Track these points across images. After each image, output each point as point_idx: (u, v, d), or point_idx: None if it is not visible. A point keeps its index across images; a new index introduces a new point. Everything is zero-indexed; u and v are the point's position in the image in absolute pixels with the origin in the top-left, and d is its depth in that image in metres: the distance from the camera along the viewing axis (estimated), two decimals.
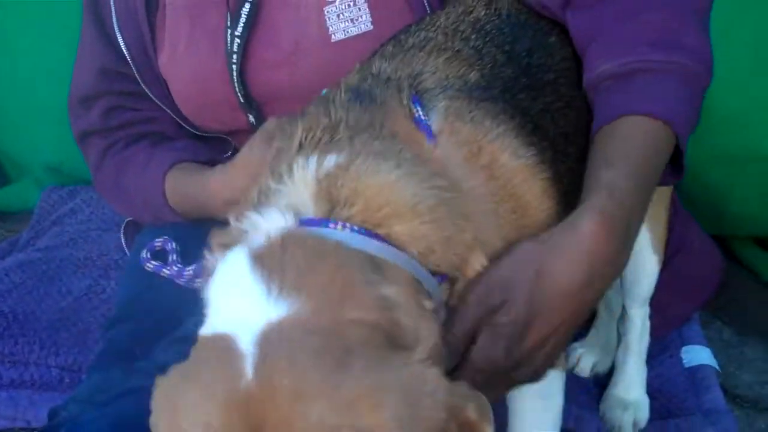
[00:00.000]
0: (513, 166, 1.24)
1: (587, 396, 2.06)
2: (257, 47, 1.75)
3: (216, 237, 1.15)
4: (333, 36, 1.70)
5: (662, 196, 1.77)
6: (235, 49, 1.73)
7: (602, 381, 2.10)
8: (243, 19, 1.74)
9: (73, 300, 2.32)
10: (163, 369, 1.49)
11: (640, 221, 1.28)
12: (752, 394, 2.11)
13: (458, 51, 1.34)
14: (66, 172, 2.98)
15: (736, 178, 2.42)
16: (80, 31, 2.04)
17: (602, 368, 2.13)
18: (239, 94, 1.77)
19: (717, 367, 2.13)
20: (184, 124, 1.96)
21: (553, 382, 1.39)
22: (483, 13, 1.44)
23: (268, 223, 1.08)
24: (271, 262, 1.01)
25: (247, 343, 0.93)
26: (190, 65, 1.83)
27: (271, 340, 0.93)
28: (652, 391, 2.04)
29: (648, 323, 1.98)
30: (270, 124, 1.63)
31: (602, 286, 1.22)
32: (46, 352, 2.16)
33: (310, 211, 1.09)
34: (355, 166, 1.12)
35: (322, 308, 0.97)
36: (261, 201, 1.14)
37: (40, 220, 2.82)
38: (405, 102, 1.24)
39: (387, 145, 1.17)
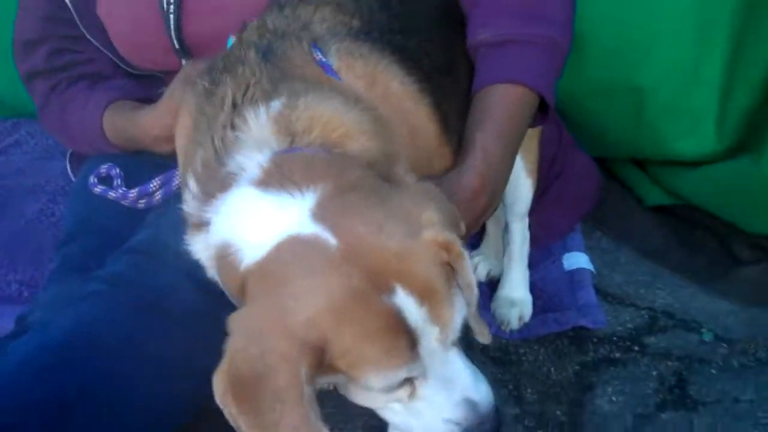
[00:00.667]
0: (402, 93, 1.49)
1: (481, 297, 2.33)
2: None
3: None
4: None
5: (535, 132, 2.05)
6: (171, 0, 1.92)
7: (494, 284, 2.39)
8: None
9: (26, 223, 2.52)
10: (114, 276, 1.75)
11: (508, 169, 1.62)
12: (620, 292, 2.40)
13: (339, 4, 1.56)
14: (8, 104, 3.12)
15: (613, 107, 2.63)
16: None
17: (496, 272, 2.41)
18: (174, 40, 1.96)
19: (593, 270, 2.43)
20: (121, 64, 2.13)
21: None
22: None
23: (250, 161, 1.31)
24: (276, 180, 1.26)
25: (309, 227, 1.19)
26: (127, 12, 1.99)
27: (324, 216, 1.20)
28: (535, 290, 2.33)
29: (527, 233, 2.26)
30: (187, 68, 1.85)
31: (478, 221, 1.57)
32: (5, 270, 2.39)
33: (275, 145, 1.32)
34: (302, 102, 1.35)
35: (334, 181, 1.24)
36: (225, 152, 1.35)
37: None
38: (306, 49, 1.46)
39: (312, 84, 1.40)
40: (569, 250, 2.52)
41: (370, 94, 1.45)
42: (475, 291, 1.32)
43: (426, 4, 1.69)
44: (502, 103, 1.60)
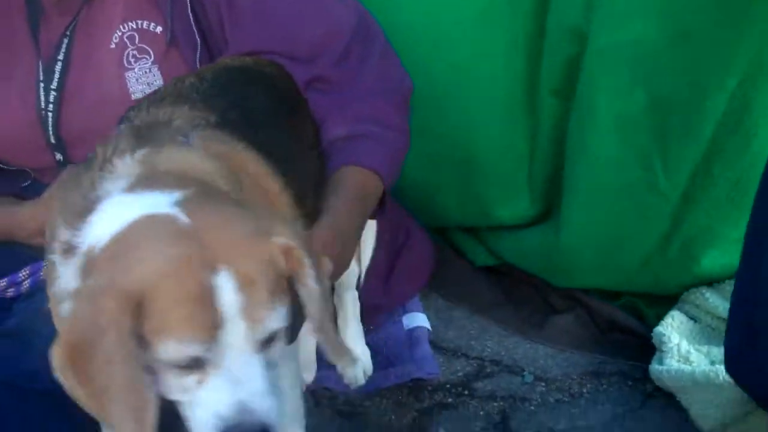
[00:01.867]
0: (257, 171, 1.69)
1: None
2: (67, 99, 2.13)
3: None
4: (133, 95, 2.10)
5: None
6: (51, 99, 2.13)
7: None
8: (57, 75, 2.13)
9: None
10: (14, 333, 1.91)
11: (356, 232, 1.91)
12: (453, 345, 2.70)
13: (194, 103, 1.76)
14: None
15: (442, 180, 2.96)
16: None
17: (309, 378, 2.51)
18: (51, 137, 2.15)
19: (429, 328, 2.73)
20: None
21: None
22: (193, 79, 1.86)
23: (119, 181, 1.48)
24: (145, 185, 1.44)
25: (165, 209, 1.35)
26: (2, 118, 2.17)
27: (184, 205, 1.36)
28: (378, 349, 2.59)
29: (356, 295, 2.54)
30: (67, 172, 2.06)
31: (340, 268, 1.82)
32: None
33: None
34: (165, 150, 1.55)
35: (200, 189, 1.42)
36: (92, 190, 1.49)
37: None
38: (171, 134, 1.65)
39: (175, 143, 1.61)
40: (408, 311, 2.81)
41: (231, 167, 1.62)
42: (318, 302, 1.41)
43: (261, 102, 1.91)
44: (352, 179, 1.90)
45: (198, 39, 2.15)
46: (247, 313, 1.30)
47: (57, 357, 1.27)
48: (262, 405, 1.32)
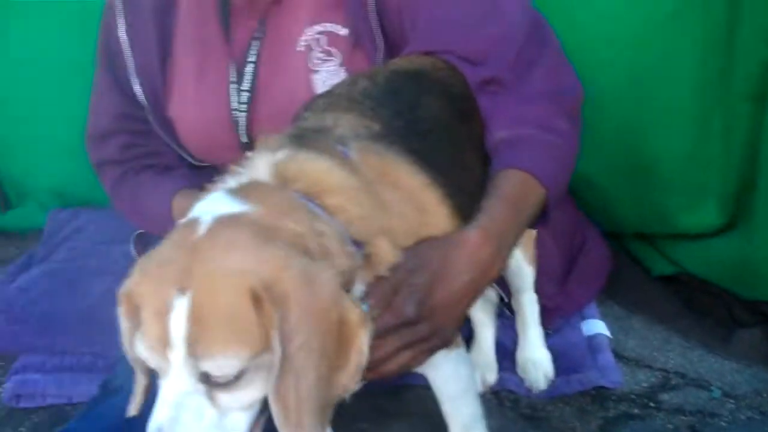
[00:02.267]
0: (413, 182, 1.69)
1: (510, 361, 2.59)
2: (258, 100, 2.20)
3: None
4: None
5: (531, 233, 2.35)
6: (244, 100, 2.20)
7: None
8: (249, 77, 2.20)
9: (95, 300, 2.74)
10: None
11: (513, 236, 1.81)
12: (635, 355, 2.65)
13: (362, 110, 1.78)
14: (69, 194, 3.42)
15: (620, 187, 2.91)
16: (94, 81, 2.45)
17: (491, 379, 2.54)
18: (243, 136, 2.23)
19: (609, 335, 2.69)
20: (186, 157, 2.39)
21: (459, 356, 1.87)
22: (366, 83, 1.88)
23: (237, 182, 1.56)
24: (240, 190, 1.49)
25: (206, 218, 1.40)
26: (196, 114, 2.27)
27: (224, 218, 1.41)
28: (559, 353, 2.58)
29: (535, 298, 2.52)
30: None
31: (485, 276, 1.72)
32: (80, 342, 2.64)
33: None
34: (300, 156, 1.58)
35: (269, 214, 1.43)
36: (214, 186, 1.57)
37: (51, 237, 3.25)
38: (330, 143, 1.67)
39: (321, 150, 1.62)
40: (586, 318, 2.78)
41: (381, 183, 1.63)
42: (278, 355, 1.34)
43: (431, 110, 1.90)
44: (510, 182, 1.83)
45: (381, 40, 2.18)
46: (189, 342, 1.33)
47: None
48: None
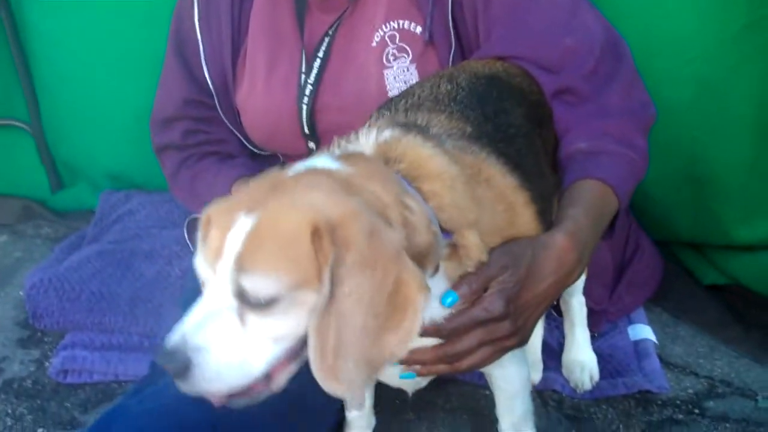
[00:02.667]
0: (504, 183, 1.72)
1: (556, 362, 2.59)
2: (324, 93, 2.24)
3: None
4: (390, 92, 2.19)
5: None
6: (307, 92, 2.23)
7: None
8: (315, 71, 2.24)
9: (146, 282, 2.80)
10: None
11: (592, 245, 1.84)
12: (681, 362, 2.63)
13: (451, 112, 1.81)
14: (122, 178, 3.47)
15: (675, 196, 2.89)
16: (163, 66, 2.50)
17: (536, 377, 2.53)
18: (305, 128, 2.27)
19: (655, 341, 2.68)
20: (248, 145, 2.44)
21: (522, 356, 1.93)
22: (449, 86, 1.90)
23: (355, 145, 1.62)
24: (341, 156, 1.55)
25: (298, 168, 1.50)
26: (264, 102, 2.31)
27: (313, 169, 1.48)
28: (605, 356, 2.58)
29: (583, 300, 2.52)
30: None
31: (567, 280, 1.77)
32: (129, 322, 2.68)
33: None
34: (406, 139, 1.62)
35: (359, 176, 1.48)
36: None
37: (103, 218, 3.30)
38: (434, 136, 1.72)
39: (424, 135, 1.66)
40: (633, 323, 2.77)
41: (475, 180, 1.66)
42: (326, 291, 1.36)
43: (514, 116, 1.93)
44: (592, 192, 1.87)
45: (453, 40, 2.21)
46: (237, 257, 1.37)
47: None
48: (192, 336, 1.38)
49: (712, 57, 2.68)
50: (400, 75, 2.21)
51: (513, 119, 1.91)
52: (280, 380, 1.49)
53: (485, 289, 1.62)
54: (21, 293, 3.01)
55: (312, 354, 1.39)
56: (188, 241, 2.73)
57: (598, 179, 1.88)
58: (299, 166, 1.53)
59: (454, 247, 1.57)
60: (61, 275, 2.79)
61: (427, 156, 1.60)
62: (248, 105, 2.35)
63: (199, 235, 1.49)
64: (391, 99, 1.95)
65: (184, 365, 1.37)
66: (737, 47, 2.64)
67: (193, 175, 2.47)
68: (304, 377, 1.92)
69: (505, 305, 1.62)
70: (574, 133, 2.01)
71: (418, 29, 2.22)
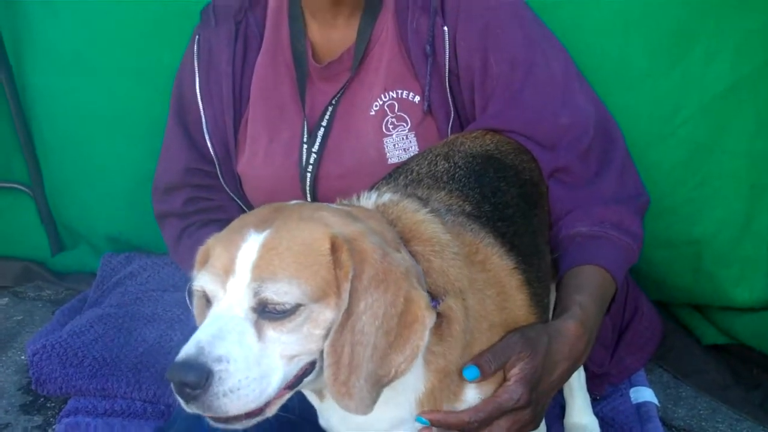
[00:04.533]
0: (500, 265, 1.73)
1: (558, 426, 2.57)
2: (325, 161, 2.27)
3: None
4: (389, 160, 2.23)
5: None
6: (311, 161, 2.26)
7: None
8: (319, 140, 2.27)
9: (148, 347, 2.79)
10: None
11: (597, 329, 1.89)
12: (684, 424, 2.64)
13: (450, 190, 1.84)
14: (122, 240, 3.47)
15: (672, 258, 2.90)
16: (165, 133, 2.52)
17: None
18: (308, 195, 2.28)
19: (657, 403, 2.67)
20: (247, 210, 2.44)
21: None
22: (446, 165, 1.93)
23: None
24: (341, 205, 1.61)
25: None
26: (266, 169, 2.33)
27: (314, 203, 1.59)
28: (607, 420, 2.57)
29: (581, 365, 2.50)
30: None
31: (577, 364, 1.81)
32: (131, 388, 2.66)
33: None
34: (403, 203, 1.66)
35: (359, 212, 1.55)
36: None
37: (104, 281, 3.30)
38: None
39: (425, 206, 1.70)
40: (634, 385, 2.76)
41: (470, 259, 1.68)
42: (345, 306, 1.39)
43: (511, 195, 1.96)
44: (594, 279, 1.93)
45: (452, 109, 2.25)
46: (253, 269, 1.38)
47: None
48: (214, 348, 1.35)
49: (701, 117, 2.72)
50: (399, 143, 2.24)
51: (510, 199, 1.94)
52: (275, 407, 1.48)
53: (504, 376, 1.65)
54: (23, 357, 3.02)
55: (327, 371, 1.41)
56: (189, 305, 2.73)
57: (600, 266, 1.94)
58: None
59: (438, 315, 1.56)
60: (64, 341, 2.78)
61: (420, 220, 1.63)
62: (249, 172, 2.37)
63: (196, 267, 1.52)
64: (390, 174, 1.97)
65: (203, 376, 1.33)
66: (724, 106, 2.69)
67: (195, 242, 2.39)
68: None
69: (529, 393, 1.65)
70: (573, 215, 2.06)
71: (417, 98, 2.26)
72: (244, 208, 2.46)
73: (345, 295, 1.39)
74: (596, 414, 2.57)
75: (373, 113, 2.27)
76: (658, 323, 2.94)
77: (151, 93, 3.10)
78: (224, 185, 2.43)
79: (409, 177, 1.90)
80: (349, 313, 1.39)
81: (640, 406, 2.66)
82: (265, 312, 1.39)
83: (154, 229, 2.67)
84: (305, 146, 2.29)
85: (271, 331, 1.40)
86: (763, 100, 2.69)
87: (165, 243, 2.59)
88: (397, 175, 1.94)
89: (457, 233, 1.69)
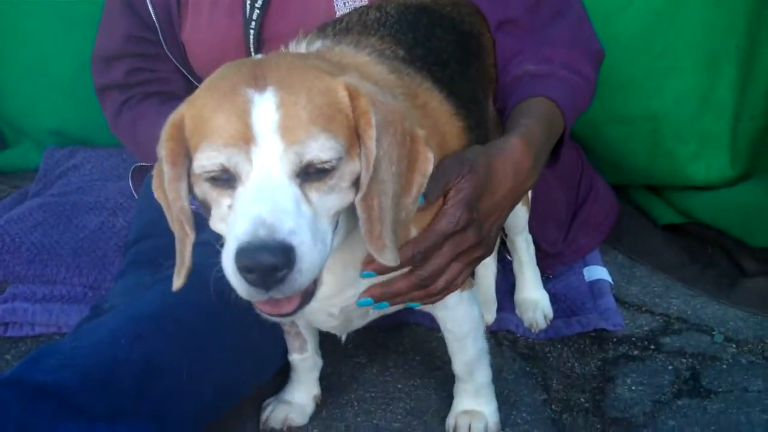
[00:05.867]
0: (440, 110, 1.67)
1: (510, 303, 2.54)
2: (271, 21, 2.16)
3: None
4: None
5: None
6: (254, 18, 2.14)
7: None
8: None
9: (90, 233, 2.72)
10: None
11: (544, 155, 1.83)
12: (637, 301, 2.59)
13: (382, 36, 1.75)
14: (66, 134, 3.37)
15: (629, 136, 2.86)
16: (105, 1, 2.38)
17: (489, 318, 2.47)
18: (253, 52, 2.17)
19: (611, 281, 2.64)
20: (194, 82, 2.33)
21: (472, 296, 1.87)
22: (377, 14, 1.83)
23: None
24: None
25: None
26: (210, 33, 2.22)
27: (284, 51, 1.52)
28: (559, 297, 2.54)
29: (530, 239, 2.47)
30: None
31: (523, 186, 1.75)
32: (71, 273, 2.59)
33: None
34: (339, 48, 1.59)
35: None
36: None
37: (46, 174, 3.22)
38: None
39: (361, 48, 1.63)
40: (588, 265, 2.72)
41: (412, 101, 1.60)
42: (373, 155, 1.34)
43: (446, 41, 1.89)
44: (541, 107, 1.86)
45: None
46: (285, 132, 1.28)
47: (153, 176, 1.46)
48: (283, 223, 1.25)
49: None
50: (349, 1, 2.15)
51: (445, 45, 1.87)
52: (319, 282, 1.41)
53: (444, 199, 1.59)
54: None
55: (363, 228, 1.37)
56: (133, 191, 2.65)
57: (548, 97, 1.87)
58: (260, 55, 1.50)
59: None
60: (1, 227, 2.70)
61: (365, 62, 1.57)
62: (193, 37, 2.27)
63: (166, 153, 1.39)
64: (322, 25, 1.87)
65: (289, 254, 1.24)
66: None
67: (134, 116, 2.38)
68: (249, 319, 1.89)
69: (468, 213, 1.59)
70: (521, 57, 1.99)
71: None
72: (190, 78, 2.35)
73: (370, 143, 1.33)
74: (548, 291, 2.54)
75: None
76: (614, 204, 2.90)
77: None
78: (168, 54, 2.32)
79: (338, 27, 1.80)
80: (375, 161, 1.34)
81: (593, 284, 2.63)
82: (306, 174, 1.30)
83: (97, 120, 2.57)
84: (248, 5, 2.18)
85: (314, 193, 1.31)
86: None
87: (105, 116, 2.47)
88: (324, 26, 1.84)
89: (397, 76, 1.62)
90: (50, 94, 3.32)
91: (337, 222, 1.40)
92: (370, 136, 1.34)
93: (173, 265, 1.97)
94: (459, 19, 1.99)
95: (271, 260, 1.23)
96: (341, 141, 1.32)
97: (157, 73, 2.37)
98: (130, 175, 2.65)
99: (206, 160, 1.31)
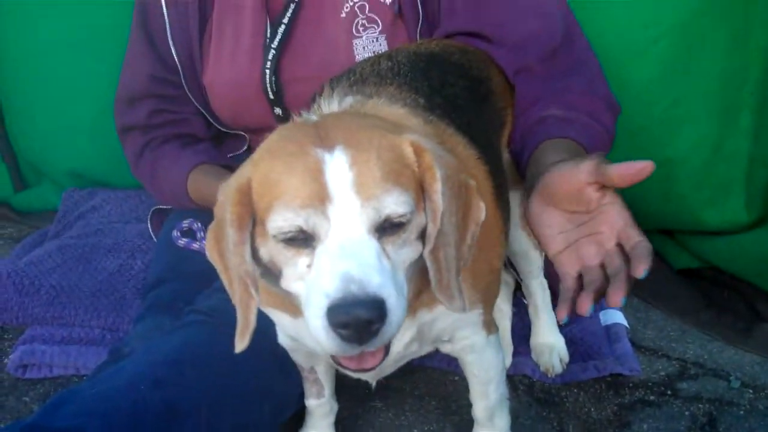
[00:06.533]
0: (465, 155, 1.69)
1: (526, 346, 2.54)
2: (292, 63, 2.21)
3: None
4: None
5: None
6: (270, 57, 2.20)
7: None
8: (279, 36, 2.21)
9: (108, 275, 2.73)
10: (210, 309, 1.96)
11: None
12: (653, 345, 2.59)
13: (399, 85, 1.77)
14: (85, 175, 3.39)
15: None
16: (128, 45, 2.45)
17: (506, 362, 2.45)
18: (270, 94, 2.22)
19: (627, 325, 2.64)
20: (215, 124, 2.40)
21: (497, 342, 1.88)
22: (389, 63, 1.86)
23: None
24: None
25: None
26: (231, 74, 2.28)
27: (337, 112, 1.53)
28: (576, 341, 2.53)
29: (545, 283, 2.44)
30: None
31: None
32: (89, 315, 2.60)
33: None
34: (371, 102, 1.62)
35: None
36: None
37: (66, 215, 3.23)
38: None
39: (386, 96, 1.67)
40: (604, 308, 2.71)
41: (445, 149, 1.60)
42: (437, 222, 1.37)
43: (459, 88, 1.91)
44: (572, 149, 1.86)
45: (421, 12, 2.20)
46: (360, 189, 1.29)
47: (208, 239, 1.43)
48: (371, 278, 1.26)
49: (674, 35, 2.67)
50: (369, 45, 2.20)
51: (459, 91, 1.89)
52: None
53: None
54: None
55: (433, 279, 1.40)
56: (152, 234, 2.68)
57: (574, 140, 1.88)
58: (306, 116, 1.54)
59: None
60: (21, 270, 2.71)
61: (401, 114, 1.60)
62: (215, 79, 2.32)
63: (232, 218, 1.37)
64: (332, 78, 1.89)
65: (381, 308, 1.26)
66: (698, 24, 2.65)
67: (155, 159, 2.43)
68: (268, 364, 1.91)
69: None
70: (543, 102, 2.00)
71: (388, 0, 2.21)
72: (211, 120, 2.40)
73: (436, 197, 1.37)
74: (564, 335, 2.53)
75: (344, 14, 2.23)
76: None
77: (113, 19, 3.01)
78: (190, 96, 2.36)
79: (353, 78, 1.83)
80: (441, 214, 1.37)
81: (610, 328, 2.63)
82: (383, 229, 1.33)
83: (116, 161, 2.60)
84: (268, 45, 2.23)
85: (390, 247, 1.34)
86: (736, 20, 2.65)
87: (126, 158, 2.52)
88: (340, 77, 1.87)
89: (432, 126, 1.66)
90: (70, 136, 3.33)
91: (409, 274, 1.43)
92: (436, 190, 1.37)
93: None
94: (468, 66, 2.01)
95: (366, 315, 1.25)
96: (411, 195, 1.35)
97: (178, 114, 2.41)
98: (149, 218, 2.68)
99: (283, 221, 1.32)
